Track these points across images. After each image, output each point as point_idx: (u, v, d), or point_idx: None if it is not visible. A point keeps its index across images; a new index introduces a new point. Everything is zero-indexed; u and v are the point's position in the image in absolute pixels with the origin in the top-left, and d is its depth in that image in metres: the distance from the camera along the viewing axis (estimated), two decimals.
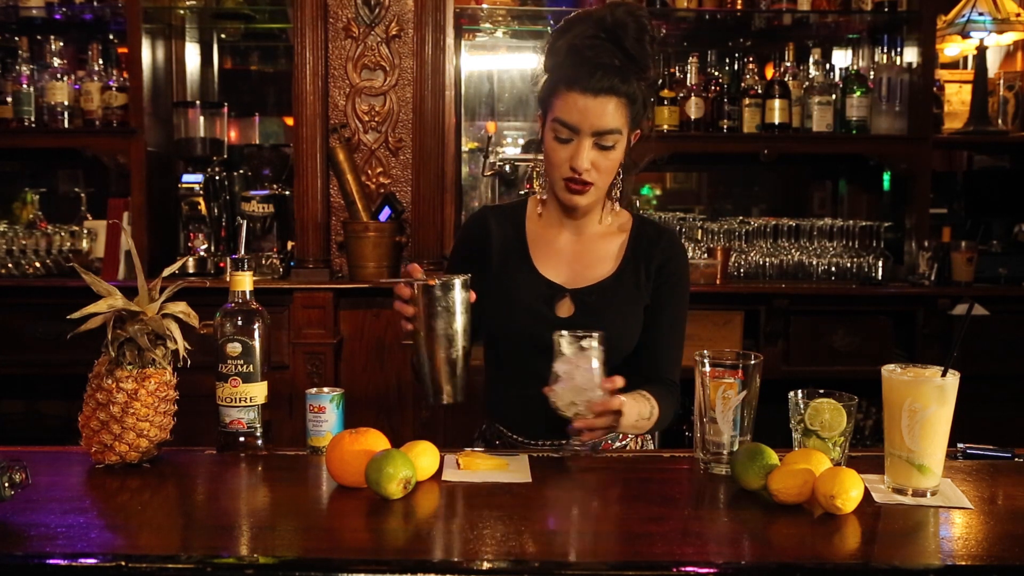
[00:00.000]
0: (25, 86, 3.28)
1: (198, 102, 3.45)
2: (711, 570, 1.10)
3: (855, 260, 3.39)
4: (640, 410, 1.63)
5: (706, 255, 3.34)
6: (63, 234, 3.34)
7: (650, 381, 1.73)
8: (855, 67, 3.58)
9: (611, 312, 1.76)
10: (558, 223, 1.83)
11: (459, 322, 1.53)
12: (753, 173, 3.91)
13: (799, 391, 1.42)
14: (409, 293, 1.54)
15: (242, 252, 1.70)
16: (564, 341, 1.53)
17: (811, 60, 3.46)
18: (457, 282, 1.53)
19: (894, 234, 3.50)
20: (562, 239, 1.83)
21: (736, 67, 3.51)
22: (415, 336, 1.54)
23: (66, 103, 3.31)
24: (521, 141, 3.77)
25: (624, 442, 1.80)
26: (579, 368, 1.51)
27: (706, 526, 1.27)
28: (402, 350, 3.19)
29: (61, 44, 3.38)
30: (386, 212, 3.22)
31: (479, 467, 1.45)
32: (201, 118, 3.39)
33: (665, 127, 3.32)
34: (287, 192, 3.36)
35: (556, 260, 1.81)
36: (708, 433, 1.45)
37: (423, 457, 1.38)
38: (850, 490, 1.24)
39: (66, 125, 3.31)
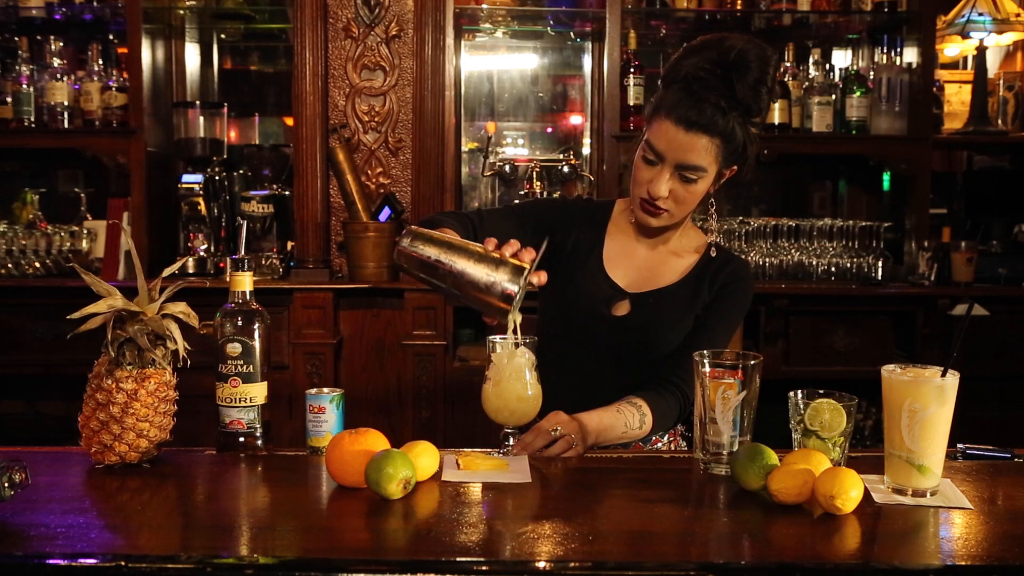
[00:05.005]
0: (25, 86, 3.28)
1: (198, 102, 3.45)
2: (711, 570, 1.10)
3: (855, 260, 3.39)
4: (628, 420, 1.64)
5: None
6: (63, 234, 3.34)
7: (659, 380, 1.74)
8: (855, 67, 3.58)
9: (663, 316, 1.79)
10: (635, 233, 1.86)
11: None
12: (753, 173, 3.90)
13: (799, 391, 1.42)
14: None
15: (242, 252, 1.69)
16: (498, 345, 1.53)
17: (811, 60, 3.46)
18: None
19: (894, 234, 3.50)
20: (636, 248, 1.86)
21: None
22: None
23: (66, 103, 3.31)
24: (521, 141, 3.77)
25: (657, 445, 1.81)
26: (506, 374, 1.52)
27: (706, 526, 1.26)
28: (401, 350, 3.19)
29: (61, 44, 3.38)
30: (386, 212, 3.22)
31: (479, 467, 1.45)
32: (201, 118, 3.39)
33: None
34: (287, 192, 3.36)
35: (625, 265, 1.84)
36: (708, 433, 1.45)
37: (423, 457, 1.38)
38: (850, 490, 1.24)
39: (66, 125, 3.31)
